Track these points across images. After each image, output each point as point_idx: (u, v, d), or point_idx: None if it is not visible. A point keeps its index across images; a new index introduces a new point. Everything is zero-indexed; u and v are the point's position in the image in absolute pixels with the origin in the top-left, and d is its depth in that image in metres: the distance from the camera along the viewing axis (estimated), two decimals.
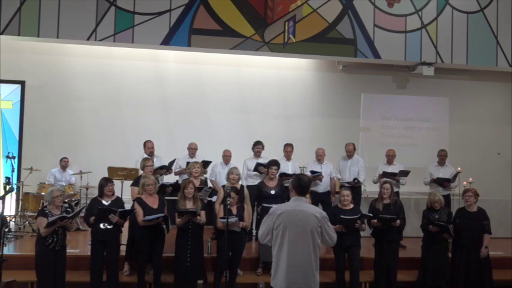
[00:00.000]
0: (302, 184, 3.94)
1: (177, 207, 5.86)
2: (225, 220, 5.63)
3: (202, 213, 5.94)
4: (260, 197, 6.73)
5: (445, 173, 8.29)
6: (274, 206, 4.28)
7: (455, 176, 8.22)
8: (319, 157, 8.05)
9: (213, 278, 6.01)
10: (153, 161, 7.52)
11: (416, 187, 8.87)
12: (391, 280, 6.34)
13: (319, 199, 7.69)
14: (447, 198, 7.87)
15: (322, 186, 7.86)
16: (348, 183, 7.94)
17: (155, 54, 10.03)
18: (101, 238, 5.77)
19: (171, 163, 7.68)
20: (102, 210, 5.69)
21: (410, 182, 8.41)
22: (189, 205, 5.86)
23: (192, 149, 8.11)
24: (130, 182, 6.90)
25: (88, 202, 7.88)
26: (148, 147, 7.81)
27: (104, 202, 5.85)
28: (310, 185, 4.10)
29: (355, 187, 7.85)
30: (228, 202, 5.74)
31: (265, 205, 6.58)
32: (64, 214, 5.47)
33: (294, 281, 3.77)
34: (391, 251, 6.37)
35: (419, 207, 8.67)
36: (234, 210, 5.95)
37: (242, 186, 6.70)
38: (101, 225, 5.73)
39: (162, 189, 6.66)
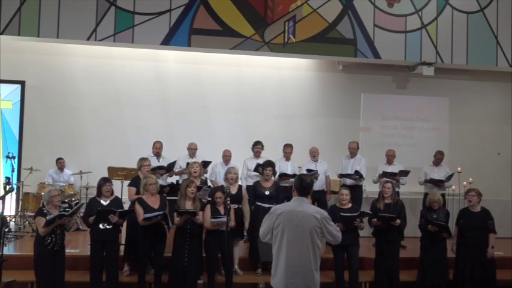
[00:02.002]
0: (304, 185, 3.93)
1: (176, 207, 5.86)
2: (215, 220, 5.73)
3: (201, 213, 5.94)
4: (254, 196, 6.72)
5: (439, 173, 8.30)
6: (271, 206, 4.29)
7: (449, 176, 8.21)
8: (314, 153, 8.08)
9: (207, 279, 6.00)
10: (158, 162, 7.61)
11: (416, 187, 8.85)
12: (393, 281, 6.31)
13: (314, 198, 7.69)
14: (442, 197, 7.88)
15: (317, 185, 7.85)
16: (348, 175, 7.96)
17: (155, 54, 10.03)
18: (100, 238, 5.77)
19: (172, 164, 7.68)
20: (102, 211, 5.69)
21: (410, 182, 8.41)
22: (189, 205, 5.87)
23: (192, 149, 8.11)
24: None
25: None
26: (156, 147, 7.87)
27: (103, 202, 5.86)
28: (312, 186, 4.09)
29: (355, 186, 7.87)
30: (228, 202, 5.74)
31: (259, 204, 6.58)
32: (62, 212, 5.47)
33: (293, 281, 3.76)
34: (391, 251, 6.35)
35: (418, 207, 8.67)
36: (222, 210, 5.94)
37: (240, 186, 6.71)
38: (100, 225, 5.74)
39: (160, 189, 6.65)
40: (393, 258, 6.34)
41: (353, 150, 8.29)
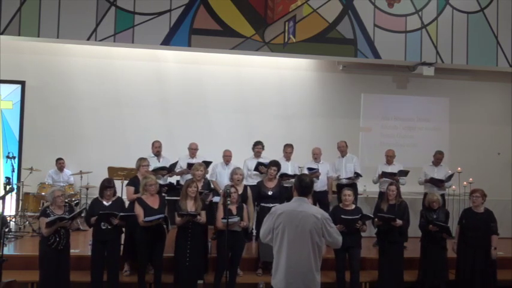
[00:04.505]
0: (303, 185, 3.93)
1: (177, 207, 5.87)
2: (226, 220, 5.66)
3: (203, 213, 5.95)
4: (259, 197, 6.73)
5: (439, 173, 8.31)
6: (275, 205, 4.29)
7: (450, 176, 8.23)
8: (316, 156, 8.11)
9: (213, 278, 6.01)
10: (159, 161, 7.61)
11: (416, 187, 8.85)
12: (396, 282, 6.27)
13: (316, 198, 7.68)
14: (442, 198, 7.88)
15: (319, 185, 7.86)
16: (347, 179, 7.97)
17: (155, 54, 10.03)
18: (102, 238, 5.78)
19: (173, 165, 7.68)
20: (103, 214, 5.68)
21: (410, 182, 8.41)
22: (190, 204, 5.87)
23: (193, 149, 8.10)
24: None
25: (88, 202, 7.91)
26: (156, 146, 7.86)
27: (105, 203, 5.86)
28: (313, 186, 4.08)
29: (351, 184, 7.88)
30: (228, 202, 5.75)
31: (264, 205, 6.62)
32: (64, 215, 5.48)
33: (293, 281, 3.75)
34: (394, 252, 6.31)
35: (418, 207, 8.67)
36: (234, 209, 5.95)
37: (246, 186, 6.71)
38: (101, 225, 5.74)
39: (159, 189, 6.65)
40: (396, 260, 6.30)
41: (343, 148, 8.33)
